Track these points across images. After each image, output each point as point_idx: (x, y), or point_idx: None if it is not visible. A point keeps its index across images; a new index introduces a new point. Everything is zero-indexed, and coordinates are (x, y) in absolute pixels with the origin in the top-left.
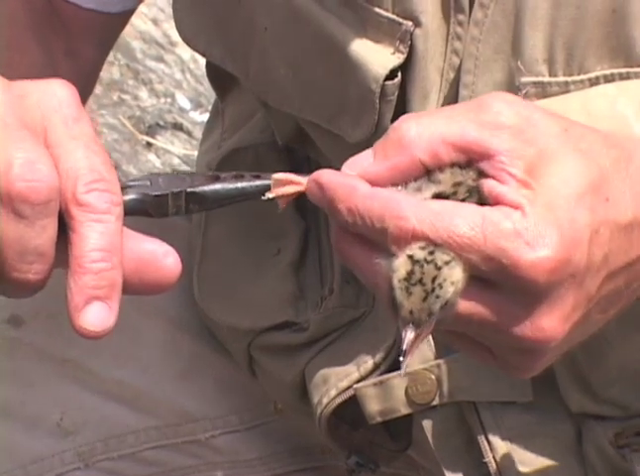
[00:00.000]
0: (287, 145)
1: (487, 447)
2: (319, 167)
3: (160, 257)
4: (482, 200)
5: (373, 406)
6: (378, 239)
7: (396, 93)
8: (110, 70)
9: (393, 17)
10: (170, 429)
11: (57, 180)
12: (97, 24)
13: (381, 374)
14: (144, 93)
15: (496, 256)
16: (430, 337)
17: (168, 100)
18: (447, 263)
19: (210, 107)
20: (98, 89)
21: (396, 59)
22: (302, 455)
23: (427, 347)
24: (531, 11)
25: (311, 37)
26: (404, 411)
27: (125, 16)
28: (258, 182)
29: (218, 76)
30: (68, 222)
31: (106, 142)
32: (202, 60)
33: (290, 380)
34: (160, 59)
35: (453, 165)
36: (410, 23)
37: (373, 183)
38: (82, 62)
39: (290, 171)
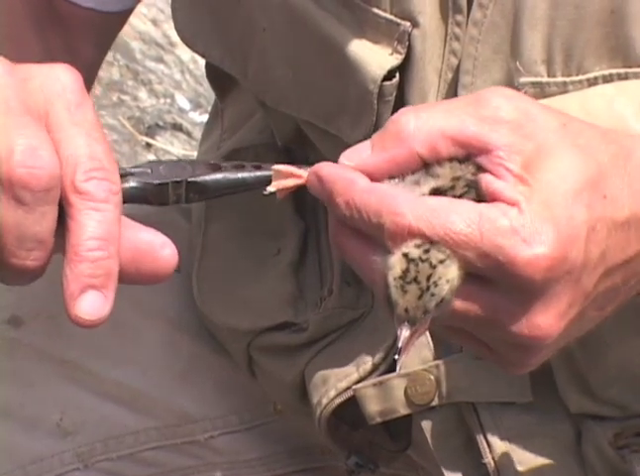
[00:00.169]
0: (286, 145)
1: (486, 448)
2: None
3: (158, 247)
4: (480, 195)
5: (372, 406)
6: (375, 234)
7: (394, 94)
8: (109, 71)
9: (391, 17)
10: (170, 430)
11: (59, 168)
12: (96, 22)
13: (381, 374)
14: (143, 94)
15: (493, 253)
16: (429, 338)
17: (168, 101)
18: (442, 261)
19: (209, 108)
20: (98, 90)
21: (394, 60)
22: (302, 456)
23: (426, 348)
24: (530, 11)
25: (309, 37)
26: (403, 411)
27: (124, 15)
28: (258, 173)
29: (217, 77)
30: (67, 209)
31: None
32: (202, 61)
33: (290, 380)
34: (160, 60)
35: (452, 159)
36: (408, 23)
37: (371, 175)
38: (81, 60)
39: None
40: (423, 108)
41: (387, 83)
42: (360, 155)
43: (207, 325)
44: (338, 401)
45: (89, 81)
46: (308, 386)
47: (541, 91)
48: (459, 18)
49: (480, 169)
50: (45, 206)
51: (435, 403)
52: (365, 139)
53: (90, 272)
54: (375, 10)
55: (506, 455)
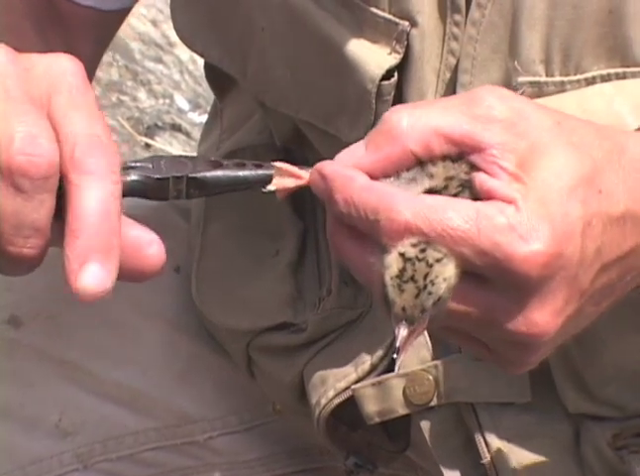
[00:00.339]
0: (285, 146)
1: (485, 448)
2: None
3: (145, 244)
4: (474, 195)
5: (370, 406)
6: (372, 232)
7: (393, 93)
8: (109, 71)
9: (390, 17)
10: (169, 430)
11: (58, 156)
12: (95, 20)
13: (379, 374)
14: (142, 94)
15: (490, 250)
16: (428, 338)
17: (167, 101)
18: (438, 260)
19: (209, 108)
20: (97, 90)
21: (393, 60)
22: (301, 456)
23: (425, 348)
24: (528, 11)
25: (308, 37)
26: (402, 411)
27: (122, 13)
28: (259, 171)
29: (216, 77)
30: (66, 188)
31: None
32: (201, 62)
33: (289, 381)
34: (159, 61)
35: (445, 158)
36: (407, 23)
37: (367, 174)
38: (80, 58)
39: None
40: (415, 106)
41: (386, 83)
42: (354, 155)
43: (206, 326)
44: (337, 401)
45: (88, 79)
46: (307, 386)
47: (539, 91)
48: (457, 18)
49: (474, 167)
50: (43, 194)
51: (434, 403)
52: (363, 139)
53: (91, 245)
54: (374, 10)
55: (505, 455)
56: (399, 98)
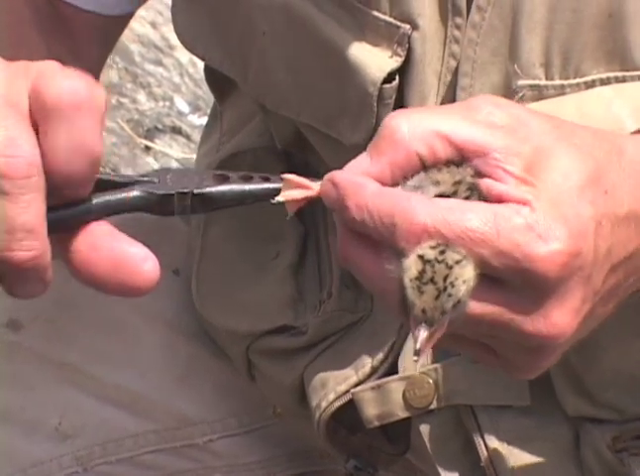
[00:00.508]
0: (286, 149)
1: (484, 450)
2: (318, 171)
3: (139, 261)
4: (483, 198)
5: (370, 410)
6: (387, 238)
7: (394, 96)
8: (108, 74)
9: (391, 20)
10: (169, 433)
11: (38, 157)
12: (98, 25)
13: (380, 378)
14: (142, 97)
15: (509, 250)
16: None
17: (167, 104)
18: (458, 262)
19: (209, 111)
20: None
21: (394, 63)
22: (301, 459)
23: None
24: (528, 14)
25: (309, 40)
26: (402, 414)
27: (125, 18)
28: (266, 185)
29: (216, 80)
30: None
31: (105, 145)
32: (201, 64)
33: (289, 384)
34: (159, 63)
35: (449, 163)
36: (408, 26)
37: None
38: (83, 62)
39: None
40: (413, 112)
41: (387, 86)
42: (360, 167)
43: (206, 328)
44: (337, 404)
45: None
46: (307, 389)
47: (539, 94)
48: (458, 21)
49: (478, 172)
50: (28, 195)
51: (433, 406)
52: (365, 141)
53: None
54: (375, 13)
55: (504, 458)
56: (401, 101)
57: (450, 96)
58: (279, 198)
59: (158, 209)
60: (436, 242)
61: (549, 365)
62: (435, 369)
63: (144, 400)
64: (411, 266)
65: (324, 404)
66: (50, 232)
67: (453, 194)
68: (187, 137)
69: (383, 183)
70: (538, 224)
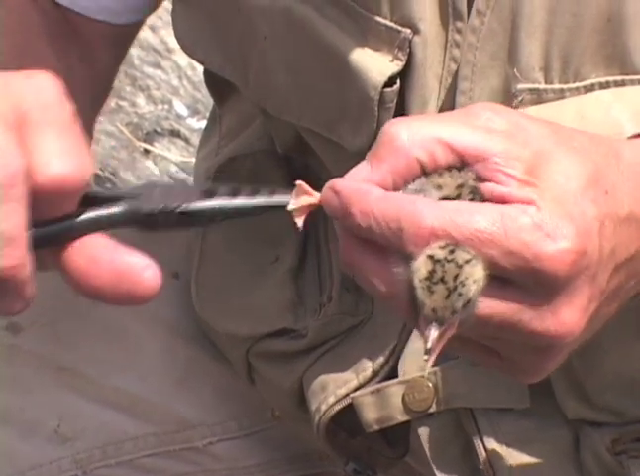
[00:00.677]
0: (287, 153)
1: (484, 453)
2: (318, 175)
3: (140, 270)
4: (486, 201)
5: (370, 414)
6: (394, 243)
7: (395, 101)
8: None
9: (392, 24)
10: (168, 436)
11: (22, 168)
12: (109, 34)
13: (380, 381)
14: (141, 100)
15: (518, 250)
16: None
17: (166, 107)
18: (467, 261)
19: (208, 114)
20: None
21: (395, 67)
22: (300, 462)
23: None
24: (528, 18)
25: (310, 44)
26: (401, 418)
27: (136, 25)
28: (254, 202)
29: (216, 83)
30: None
31: (103, 149)
32: (200, 67)
33: (288, 387)
34: (158, 66)
35: (450, 168)
36: (409, 30)
37: None
38: (97, 67)
39: (289, 178)
40: (412, 119)
41: (388, 90)
42: (360, 174)
43: (206, 332)
44: (337, 407)
45: (107, 88)
46: (307, 392)
47: (538, 98)
48: (459, 24)
49: (479, 176)
50: (10, 204)
51: (433, 409)
52: (366, 146)
53: None
54: (376, 17)
55: (503, 460)
56: (402, 105)
57: (450, 100)
58: (291, 206)
59: (142, 226)
60: (445, 242)
61: (554, 367)
62: (434, 372)
63: (143, 403)
64: (421, 266)
65: (324, 407)
66: (34, 247)
67: (456, 198)
68: (186, 140)
69: (385, 190)
70: (545, 223)
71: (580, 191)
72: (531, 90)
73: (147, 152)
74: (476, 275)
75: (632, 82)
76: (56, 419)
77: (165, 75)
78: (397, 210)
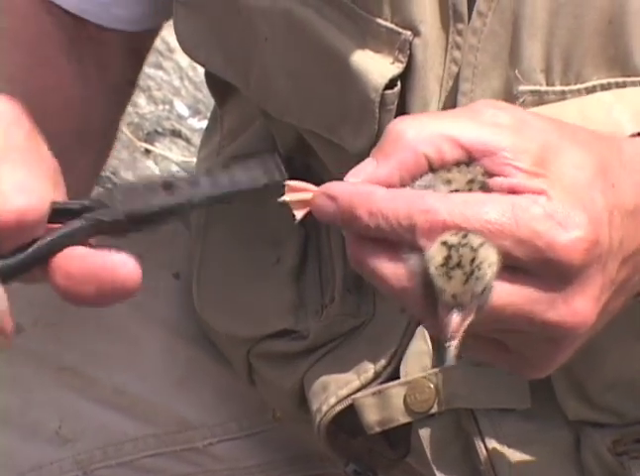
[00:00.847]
0: (289, 155)
1: (485, 454)
2: (320, 176)
3: (118, 267)
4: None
5: (371, 416)
6: (406, 239)
7: (396, 102)
8: None
9: (392, 26)
10: (169, 437)
11: None
12: (123, 41)
13: (382, 383)
14: (142, 100)
15: (530, 239)
16: (429, 345)
17: (167, 107)
18: (482, 244)
19: (209, 114)
20: None
21: (396, 69)
22: (301, 463)
23: (426, 355)
24: (529, 20)
25: (311, 46)
26: (403, 419)
27: (152, 33)
28: (217, 193)
29: (217, 83)
30: None
31: None
32: (201, 68)
33: (289, 387)
34: (159, 66)
35: (458, 163)
36: (409, 32)
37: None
38: (114, 74)
39: (291, 179)
40: (417, 117)
41: (389, 92)
42: (365, 170)
43: (206, 332)
44: (338, 408)
45: (126, 96)
46: (307, 393)
47: (539, 100)
48: (460, 26)
49: (487, 171)
50: None
51: (434, 410)
52: (367, 148)
53: None
54: (377, 19)
55: (504, 461)
56: (403, 107)
57: (451, 102)
58: (284, 198)
59: (111, 233)
60: (455, 231)
61: (563, 360)
62: (436, 373)
63: (144, 403)
64: (435, 254)
65: (325, 408)
66: (2, 281)
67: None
68: (187, 140)
69: (391, 187)
70: (557, 212)
71: (588, 182)
72: (532, 92)
73: (148, 152)
74: (491, 258)
75: (634, 84)
76: (57, 420)
77: (167, 76)
78: (408, 206)
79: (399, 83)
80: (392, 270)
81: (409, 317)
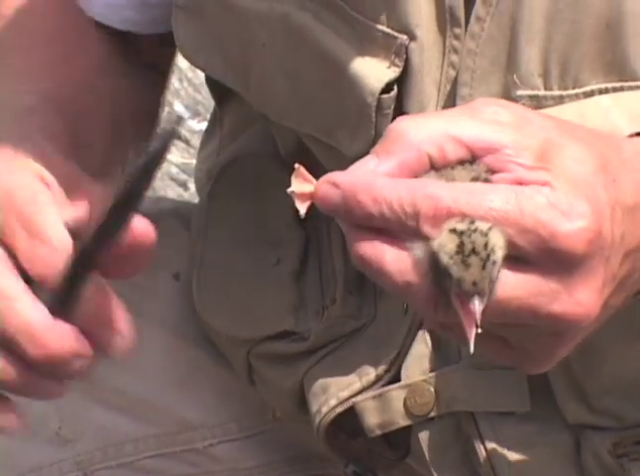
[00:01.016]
0: (289, 157)
1: (485, 457)
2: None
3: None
4: None
5: (372, 419)
6: (410, 226)
7: (393, 106)
8: None
9: (388, 31)
10: (169, 438)
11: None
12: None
13: (383, 386)
14: None
15: (534, 228)
16: (430, 348)
17: (166, 109)
18: (490, 229)
19: (208, 116)
20: None
21: (392, 73)
22: (301, 463)
23: (426, 358)
24: (527, 25)
25: (308, 51)
26: (403, 422)
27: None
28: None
29: (217, 84)
30: None
31: None
32: None
33: (289, 388)
34: None
35: (462, 161)
36: (405, 36)
37: None
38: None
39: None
40: (418, 116)
41: (385, 96)
42: (366, 166)
43: (207, 333)
44: (339, 409)
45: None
46: (307, 394)
47: (537, 104)
48: (457, 31)
49: (490, 169)
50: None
51: (434, 413)
52: (364, 152)
53: None
54: (373, 24)
55: (505, 464)
56: (400, 111)
57: (449, 106)
58: (291, 189)
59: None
60: (460, 217)
61: (564, 354)
62: (436, 376)
63: (144, 404)
64: (447, 242)
65: (325, 409)
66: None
67: None
68: (187, 142)
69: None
70: (560, 202)
71: (591, 176)
72: (530, 96)
73: None
74: (500, 242)
75: (631, 88)
76: (57, 421)
77: None
78: (411, 193)
79: (396, 87)
80: (396, 262)
81: (412, 320)
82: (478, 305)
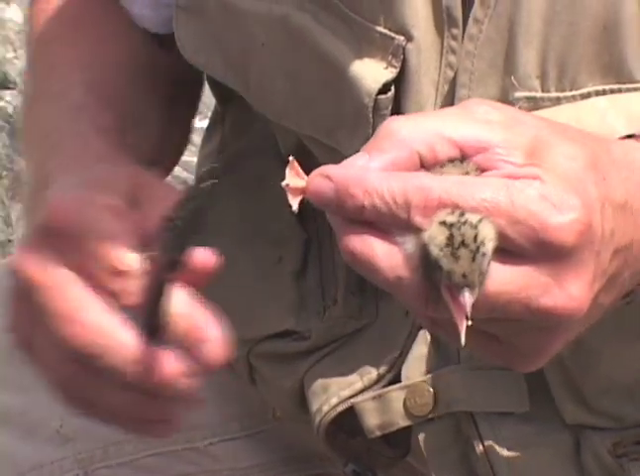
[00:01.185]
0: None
1: (485, 457)
2: None
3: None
4: None
5: (372, 420)
6: (401, 218)
7: (390, 107)
8: None
9: (385, 32)
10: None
11: None
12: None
13: (384, 386)
14: None
15: (525, 219)
16: (431, 348)
17: None
18: (480, 221)
19: (209, 114)
20: None
21: (389, 74)
22: (301, 462)
23: (426, 359)
24: (525, 27)
25: (306, 52)
26: (402, 423)
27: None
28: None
29: (218, 83)
30: None
31: None
32: None
33: (289, 387)
34: None
35: (452, 160)
36: (402, 37)
37: None
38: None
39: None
40: (410, 116)
41: (383, 97)
42: (356, 163)
43: None
44: (339, 409)
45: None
46: (308, 393)
47: (535, 106)
48: (454, 31)
49: (480, 168)
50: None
51: (433, 414)
52: None
53: None
54: (370, 24)
55: (504, 465)
56: (397, 111)
57: (447, 106)
58: (285, 182)
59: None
60: (450, 209)
61: (555, 351)
62: (435, 377)
63: None
64: (437, 235)
65: (325, 408)
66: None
67: None
68: None
69: None
70: (551, 195)
71: (581, 172)
72: (528, 98)
73: None
74: (491, 234)
75: (628, 90)
76: (58, 420)
77: None
78: (403, 184)
79: (393, 88)
80: (386, 256)
81: (413, 320)
82: (468, 298)
